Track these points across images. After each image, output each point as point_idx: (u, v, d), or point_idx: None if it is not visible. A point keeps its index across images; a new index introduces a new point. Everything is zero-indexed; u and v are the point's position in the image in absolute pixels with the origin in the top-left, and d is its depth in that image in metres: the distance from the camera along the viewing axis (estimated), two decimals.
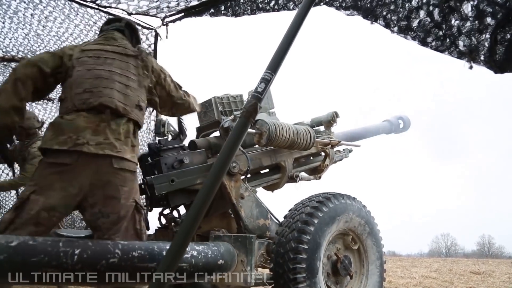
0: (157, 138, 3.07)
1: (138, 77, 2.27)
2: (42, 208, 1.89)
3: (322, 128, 3.76)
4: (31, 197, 1.91)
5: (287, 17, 2.95)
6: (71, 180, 1.95)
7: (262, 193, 3.44)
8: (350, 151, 4.08)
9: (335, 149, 3.82)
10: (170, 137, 3.10)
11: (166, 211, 3.22)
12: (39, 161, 2.08)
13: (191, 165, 2.82)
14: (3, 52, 5.25)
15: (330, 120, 3.66)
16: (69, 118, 2.04)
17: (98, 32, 4.86)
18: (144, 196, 3.05)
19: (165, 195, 2.76)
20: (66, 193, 1.94)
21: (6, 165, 5.80)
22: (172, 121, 3.21)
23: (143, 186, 2.68)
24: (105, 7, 4.40)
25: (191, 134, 3.26)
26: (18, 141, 4.31)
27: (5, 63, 5.46)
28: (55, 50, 2.32)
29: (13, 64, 5.47)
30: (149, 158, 2.94)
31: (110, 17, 2.47)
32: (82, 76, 2.13)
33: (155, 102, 2.41)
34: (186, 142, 3.10)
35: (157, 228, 3.25)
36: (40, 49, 5.24)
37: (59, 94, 2.24)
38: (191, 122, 3.62)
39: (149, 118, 6.27)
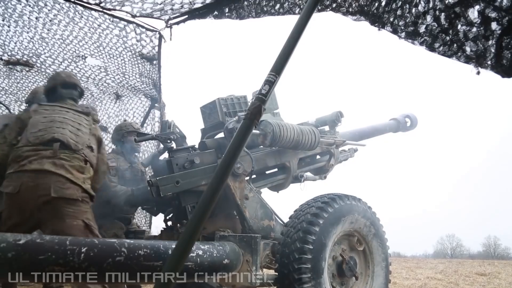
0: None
1: (89, 127, 2.70)
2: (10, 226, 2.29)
3: (326, 128, 3.76)
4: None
5: (291, 19, 2.96)
6: (22, 206, 2.33)
7: (267, 193, 3.44)
8: (355, 150, 4.08)
9: (340, 148, 3.82)
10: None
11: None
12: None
13: (201, 165, 2.84)
14: (8, 55, 5.28)
15: (334, 120, 3.66)
16: (20, 149, 2.42)
17: (102, 35, 4.94)
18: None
19: (177, 195, 2.77)
20: (22, 215, 2.34)
21: None
22: (178, 123, 3.24)
23: (149, 187, 2.69)
24: (109, 9, 4.42)
25: (191, 136, 3.29)
26: None
27: (10, 66, 5.49)
28: (20, 116, 2.78)
29: (18, 68, 5.50)
30: (160, 158, 2.98)
31: (66, 79, 2.91)
32: (38, 121, 2.55)
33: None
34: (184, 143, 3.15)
35: (163, 229, 3.26)
36: (44, 52, 5.27)
37: None
38: (195, 123, 3.64)
39: (153, 120, 6.30)
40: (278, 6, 3.18)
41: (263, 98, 1.66)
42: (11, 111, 6.34)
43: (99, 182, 2.79)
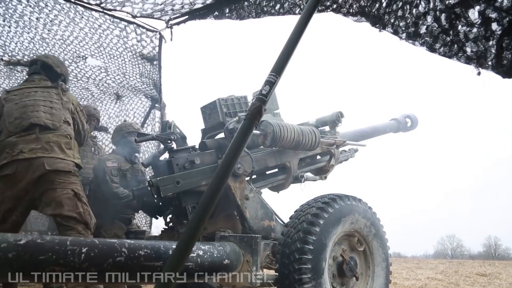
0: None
1: (60, 101, 2.79)
2: (4, 212, 2.46)
3: (327, 128, 3.75)
4: None
5: (292, 20, 2.96)
6: (16, 185, 2.46)
7: (267, 194, 3.44)
8: (356, 150, 4.08)
9: (341, 149, 3.81)
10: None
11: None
12: None
13: (202, 166, 2.85)
14: (9, 56, 5.29)
15: (335, 120, 3.66)
16: (6, 140, 2.55)
17: (102, 36, 4.94)
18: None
19: (177, 195, 2.78)
20: (16, 196, 2.47)
21: None
22: (178, 123, 3.24)
23: (149, 187, 2.70)
24: (110, 10, 4.43)
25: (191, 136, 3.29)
26: None
27: (11, 67, 5.49)
28: None
29: (19, 68, 5.51)
30: (160, 158, 2.98)
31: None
32: (11, 109, 2.68)
33: (74, 121, 2.91)
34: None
35: (163, 229, 3.27)
36: (45, 53, 5.27)
37: None
38: (195, 124, 3.64)
39: (154, 120, 6.31)
40: (278, 6, 3.18)
41: (263, 99, 1.66)
42: None
43: (82, 142, 3.04)
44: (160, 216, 3.37)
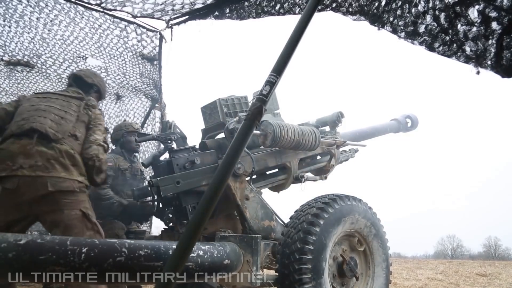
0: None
1: (77, 113, 2.65)
2: (8, 223, 2.32)
3: (327, 128, 3.76)
4: None
5: (292, 20, 2.96)
6: (19, 200, 2.32)
7: (267, 194, 3.45)
8: (356, 151, 4.08)
9: (341, 149, 3.82)
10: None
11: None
12: None
13: (202, 166, 2.84)
14: (9, 56, 5.29)
15: (335, 120, 3.66)
16: (3, 147, 2.41)
17: (102, 36, 4.94)
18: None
19: (177, 195, 2.78)
20: (16, 211, 2.33)
21: None
22: (179, 123, 3.24)
23: (149, 187, 2.70)
24: (110, 10, 4.43)
25: (191, 136, 3.29)
26: None
27: (11, 67, 5.50)
28: (11, 101, 2.82)
29: (19, 68, 5.51)
30: (160, 158, 2.98)
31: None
32: (24, 109, 2.58)
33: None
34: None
35: (163, 229, 3.27)
36: (45, 53, 5.28)
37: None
38: (195, 124, 3.64)
39: (154, 120, 6.31)
40: (278, 6, 3.18)
41: (264, 99, 1.66)
42: None
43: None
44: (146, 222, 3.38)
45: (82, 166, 2.52)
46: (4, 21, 4.65)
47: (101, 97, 3.15)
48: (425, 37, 1.91)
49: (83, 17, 4.66)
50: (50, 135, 2.44)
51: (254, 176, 3.09)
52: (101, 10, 4.45)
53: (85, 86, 2.96)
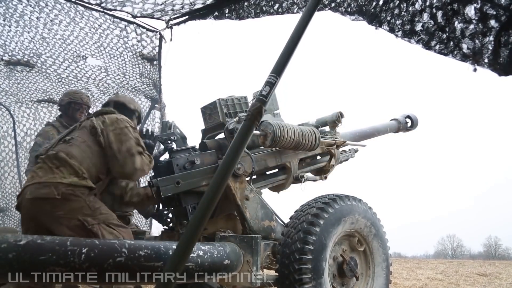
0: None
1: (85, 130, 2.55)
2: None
3: (327, 128, 3.75)
4: None
5: (292, 19, 2.96)
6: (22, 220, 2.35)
7: (267, 194, 3.44)
8: (356, 151, 4.08)
9: (341, 149, 3.81)
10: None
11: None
12: None
13: (202, 166, 2.84)
14: (9, 55, 5.29)
15: (335, 120, 3.65)
16: None
17: (102, 36, 4.95)
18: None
19: (177, 196, 2.78)
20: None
21: None
22: (178, 123, 3.24)
23: (150, 188, 2.70)
24: (110, 10, 4.43)
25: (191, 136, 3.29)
26: None
27: (11, 66, 5.50)
28: None
29: (19, 68, 5.51)
30: (160, 159, 2.97)
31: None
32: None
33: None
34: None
35: (163, 229, 3.27)
36: (45, 53, 5.28)
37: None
38: (195, 124, 3.64)
39: (154, 121, 6.31)
40: (277, 5, 3.19)
41: (263, 99, 1.66)
42: (11, 112, 6.34)
43: (122, 166, 2.44)
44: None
45: (76, 164, 2.31)
46: (4, 20, 4.65)
47: (139, 122, 3.18)
48: (422, 36, 1.92)
49: (83, 17, 4.67)
50: (42, 151, 2.49)
51: (254, 176, 3.09)
52: (101, 10, 4.45)
53: (128, 113, 2.93)
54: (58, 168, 2.27)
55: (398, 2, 2.03)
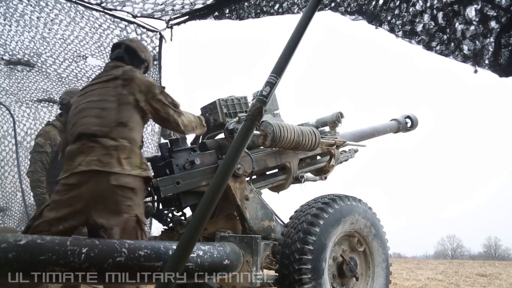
0: (166, 140, 3.09)
1: (118, 97, 2.37)
2: (52, 219, 2.18)
3: (327, 128, 3.76)
4: (44, 212, 2.23)
5: (292, 20, 2.96)
6: (75, 197, 2.20)
7: (267, 194, 3.45)
8: (356, 151, 4.08)
9: (341, 149, 3.82)
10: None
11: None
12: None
13: (202, 166, 2.84)
14: (9, 55, 5.29)
15: (335, 121, 3.66)
16: (66, 150, 2.37)
17: (102, 36, 4.95)
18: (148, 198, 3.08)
19: (177, 196, 2.77)
20: (72, 208, 2.19)
21: None
22: None
23: (149, 188, 2.69)
24: (110, 10, 4.44)
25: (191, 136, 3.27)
26: None
27: (11, 66, 5.50)
28: None
29: (19, 67, 5.51)
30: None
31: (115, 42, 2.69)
32: (72, 114, 2.48)
33: (147, 114, 2.48)
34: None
35: (163, 230, 3.26)
36: (45, 52, 5.28)
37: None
38: None
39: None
40: (277, 6, 3.19)
41: (264, 100, 1.67)
42: (12, 112, 6.34)
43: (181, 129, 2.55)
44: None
45: (137, 156, 2.34)
46: (4, 20, 4.65)
47: (145, 73, 2.86)
48: (422, 36, 1.92)
49: (83, 17, 4.67)
50: (97, 132, 2.29)
51: (254, 177, 3.09)
52: (101, 9, 4.46)
53: (137, 60, 2.71)
54: (126, 158, 2.30)
55: (398, 2, 2.04)
